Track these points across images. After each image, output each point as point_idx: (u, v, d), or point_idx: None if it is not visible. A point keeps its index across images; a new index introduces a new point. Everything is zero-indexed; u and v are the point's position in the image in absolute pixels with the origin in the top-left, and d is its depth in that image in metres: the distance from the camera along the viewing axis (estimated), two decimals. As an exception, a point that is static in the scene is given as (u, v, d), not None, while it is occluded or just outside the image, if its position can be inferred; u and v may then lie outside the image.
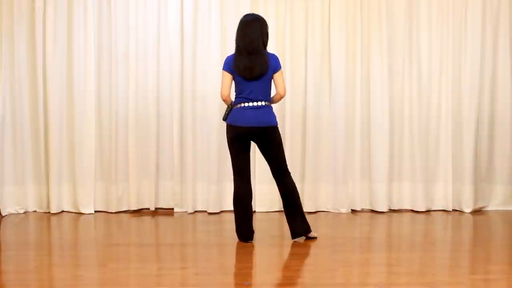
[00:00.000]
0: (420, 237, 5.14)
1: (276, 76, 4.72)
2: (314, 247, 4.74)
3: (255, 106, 4.68)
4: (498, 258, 4.47)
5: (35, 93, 5.81)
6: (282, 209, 5.87)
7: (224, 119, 4.78)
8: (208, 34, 5.87)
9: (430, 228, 5.51)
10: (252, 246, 4.70)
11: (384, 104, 5.94)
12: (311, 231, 4.87)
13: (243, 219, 4.76)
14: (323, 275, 3.97)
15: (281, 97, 4.83)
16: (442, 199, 6.04)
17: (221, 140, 5.74)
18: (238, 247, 4.65)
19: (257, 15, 4.82)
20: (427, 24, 5.96)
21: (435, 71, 5.99)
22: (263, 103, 4.70)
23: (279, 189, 4.85)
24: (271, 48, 5.84)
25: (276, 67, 4.71)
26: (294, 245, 4.84)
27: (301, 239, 4.83)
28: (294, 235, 4.83)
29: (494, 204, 6.11)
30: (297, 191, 4.84)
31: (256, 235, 4.85)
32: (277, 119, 5.86)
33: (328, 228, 5.40)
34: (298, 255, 4.58)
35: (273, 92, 4.84)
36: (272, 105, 4.85)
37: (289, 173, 4.85)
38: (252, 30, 4.67)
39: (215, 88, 5.52)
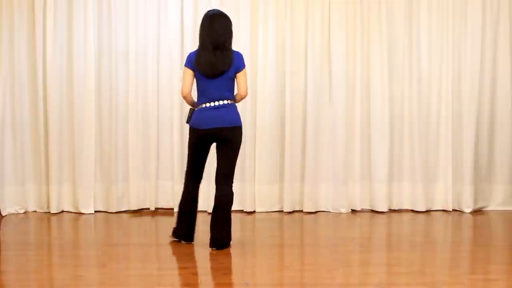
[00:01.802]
0: (420, 237, 5.14)
1: (239, 75, 4.51)
2: (314, 247, 4.74)
3: (217, 105, 4.49)
4: (498, 258, 4.47)
5: (35, 93, 5.81)
6: (281, 209, 5.93)
7: (188, 121, 4.59)
8: (208, 34, 5.86)
9: (430, 228, 5.52)
10: (252, 246, 4.70)
11: (384, 104, 5.94)
12: (229, 245, 4.61)
13: (187, 220, 4.65)
14: (323, 275, 3.97)
15: (242, 98, 4.61)
16: (442, 199, 6.03)
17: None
18: (237, 247, 4.64)
19: (222, 11, 4.63)
20: (427, 24, 5.96)
21: (435, 71, 5.98)
22: (226, 101, 4.51)
23: (215, 194, 4.58)
24: (271, 48, 5.86)
25: (239, 66, 4.51)
26: (294, 245, 4.84)
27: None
28: (213, 243, 4.54)
29: (494, 204, 6.10)
30: (231, 203, 4.56)
31: (256, 235, 4.85)
32: (277, 119, 5.93)
33: (328, 228, 5.41)
34: (298, 255, 4.58)
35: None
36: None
37: (232, 182, 4.58)
38: (220, 25, 4.49)
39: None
